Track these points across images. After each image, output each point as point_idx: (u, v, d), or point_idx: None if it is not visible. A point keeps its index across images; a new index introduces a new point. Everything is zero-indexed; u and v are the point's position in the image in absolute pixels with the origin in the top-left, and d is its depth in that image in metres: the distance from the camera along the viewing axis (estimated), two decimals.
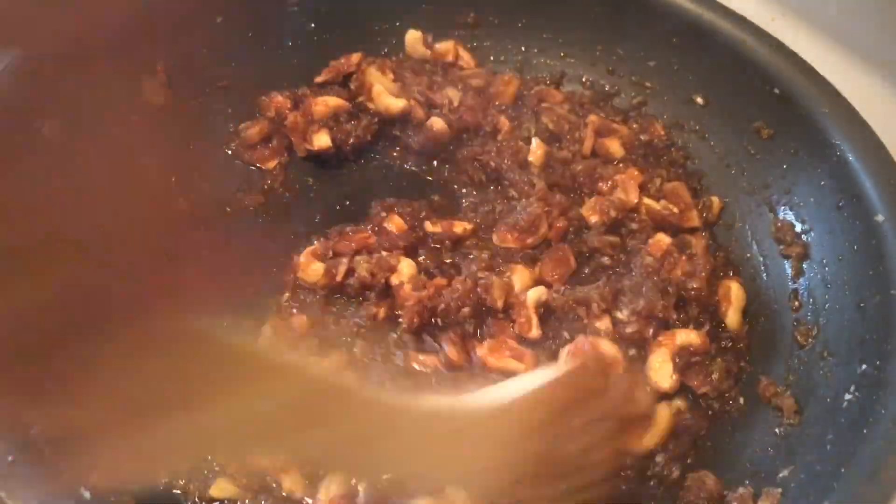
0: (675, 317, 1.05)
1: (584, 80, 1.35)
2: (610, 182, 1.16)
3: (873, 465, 0.81)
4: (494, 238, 1.13)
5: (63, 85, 0.46)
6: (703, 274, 1.06)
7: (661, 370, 0.99)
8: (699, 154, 1.26)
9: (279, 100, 1.25)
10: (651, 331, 1.02)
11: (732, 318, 1.08)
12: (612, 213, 1.11)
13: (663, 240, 1.10)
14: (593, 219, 1.12)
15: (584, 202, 1.17)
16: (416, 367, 0.99)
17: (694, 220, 1.17)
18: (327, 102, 1.23)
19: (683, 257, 1.08)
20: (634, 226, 1.13)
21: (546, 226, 1.11)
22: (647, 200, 1.15)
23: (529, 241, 1.11)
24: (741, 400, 1.02)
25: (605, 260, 1.10)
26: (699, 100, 1.27)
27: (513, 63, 1.37)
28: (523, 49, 1.37)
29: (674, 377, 0.99)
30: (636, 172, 1.19)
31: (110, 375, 0.48)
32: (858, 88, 1.12)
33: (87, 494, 0.75)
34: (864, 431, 0.85)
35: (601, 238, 1.10)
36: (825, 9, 1.29)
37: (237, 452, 0.77)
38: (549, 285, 1.06)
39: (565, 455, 0.75)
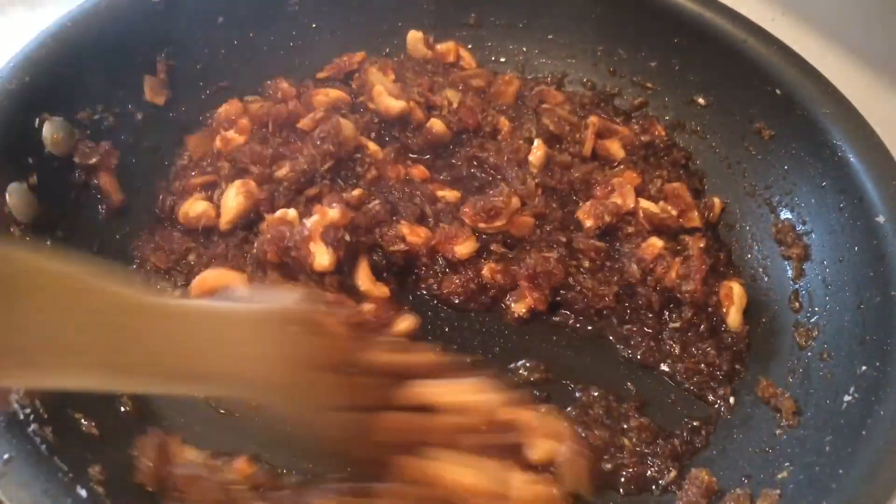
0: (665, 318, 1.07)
1: (585, 80, 1.35)
2: (608, 186, 1.16)
3: (872, 466, 0.81)
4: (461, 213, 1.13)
5: None
6: (698, 276, 1.06)
7: None
8: (700, 155, 1.26)
9: (284, 85, 1.26)
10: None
11: (734, 318, 1.07)
12: (607, 218, 1.11)
13: (655, 244, 1.09)
14: (588, 223, 1.11)
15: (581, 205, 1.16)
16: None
17: (695, 220, 1.16)
18: (328, 93, 1.23)
19: (677, 260, 1.07)
20: (630, 229, 1.12)
21: (507, 218, 1.12)
22: (644, 203, 1.14)
23: (482, 225, 1.11)
24: (741, 401, 1.02)
25: (587, 263, 1.10)
26: (700, 100, 1.26)
27: (514, 64, 1.37)
28: (524, 50, 1.37)
29: None
30: (634, 175, 1.19)
31: None
32: (858, 88, 1.11)
33: (83, 493, 0.75)
34: (863, 433, 0.84)
35: (587, 241, 1.10)
36: (825, 9, 1.28)
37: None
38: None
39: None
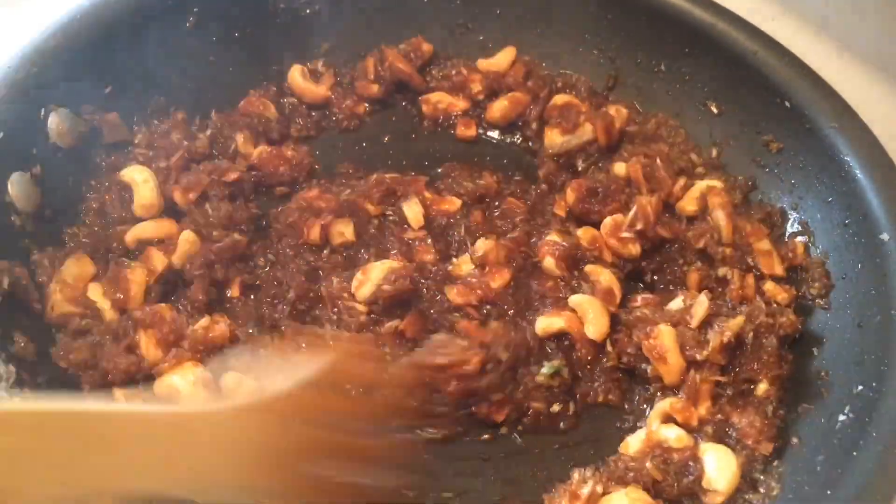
0: None
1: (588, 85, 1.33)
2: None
3: (860, 488, 0.80)
4: None
5: None
6: None
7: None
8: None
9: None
10: None
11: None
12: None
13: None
14: None
15: None
16: None
17: None
18: None
19: None
20: None
21: None
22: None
23: None
24: None
25: None
26: (713, 108, 1.24)
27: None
28: (531, 54, 1.35)
29: None
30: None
31: None
32: (856, 87, 1.10)
33: None
34: (854, 454, 0.83)
35: None
36: (824, 8, 1.26)
37: None
38: None
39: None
